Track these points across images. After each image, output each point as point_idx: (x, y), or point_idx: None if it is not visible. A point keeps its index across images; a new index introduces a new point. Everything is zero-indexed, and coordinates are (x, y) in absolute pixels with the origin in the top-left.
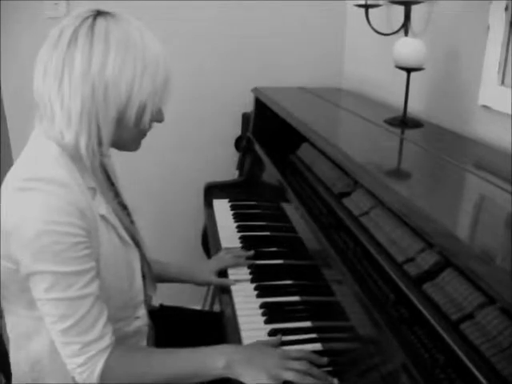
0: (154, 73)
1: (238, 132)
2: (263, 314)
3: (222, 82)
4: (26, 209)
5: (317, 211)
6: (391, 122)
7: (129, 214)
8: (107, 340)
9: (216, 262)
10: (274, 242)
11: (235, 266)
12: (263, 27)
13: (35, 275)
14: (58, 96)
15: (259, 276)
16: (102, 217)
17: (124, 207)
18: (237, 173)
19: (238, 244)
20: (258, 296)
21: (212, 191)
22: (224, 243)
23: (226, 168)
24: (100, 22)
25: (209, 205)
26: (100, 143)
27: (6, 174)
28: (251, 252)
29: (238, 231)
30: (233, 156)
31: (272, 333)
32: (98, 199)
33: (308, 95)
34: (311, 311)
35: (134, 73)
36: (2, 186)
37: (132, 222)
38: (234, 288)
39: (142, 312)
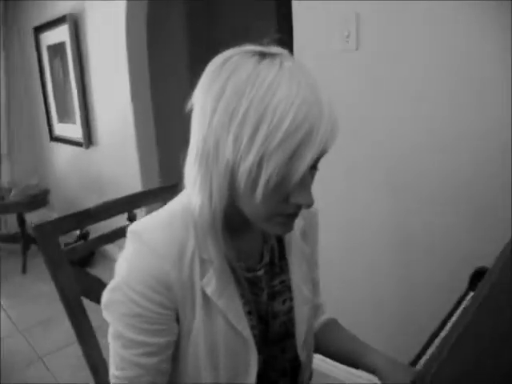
0: (272, 131)
1: None
2: None
3: None
4: (120, 258)
5: None
6: None
7: (291, 299)
8: None
9: None
10: None
11: None
12: None
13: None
14: (190, 145)
15: None
16: (205, 295)
17: (288, 288)
18: None
19: None
20: None
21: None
22: None
23: None
24: (236, 58)
25: (463, 297)
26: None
27: None
28: None
29: None
30: None
31: None
32: (210, 276)
33: None
34: None
35: (241, 127)
36: None
37: (291, 310)
38: None
39: None
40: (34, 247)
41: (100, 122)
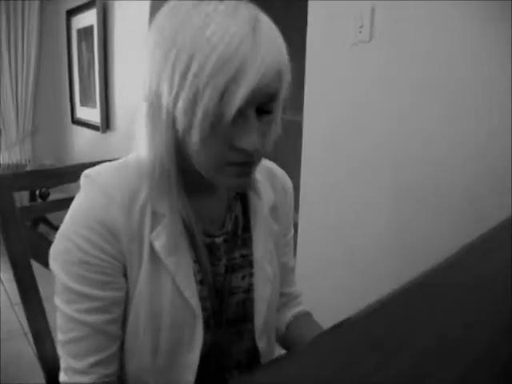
0: (203, 66)
1: None
2: None
3: None
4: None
5: None
6: None
7: (251, 275)
8: (90, 379)
9: None
10: None
11: None
12: None
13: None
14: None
15: None
16: (153, 251)
17: (249, 263)
18: None
19: None
20: None
21: None
22: None
23: None
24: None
25: None
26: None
27: None
28: None
29: None
30: None
31: None
32: (160, 230)
33: None
34: None
35: (174, 67)
36: None
37: (251, 289)
38: None
39: None
40: (42, 226)
41: (118, 108)
